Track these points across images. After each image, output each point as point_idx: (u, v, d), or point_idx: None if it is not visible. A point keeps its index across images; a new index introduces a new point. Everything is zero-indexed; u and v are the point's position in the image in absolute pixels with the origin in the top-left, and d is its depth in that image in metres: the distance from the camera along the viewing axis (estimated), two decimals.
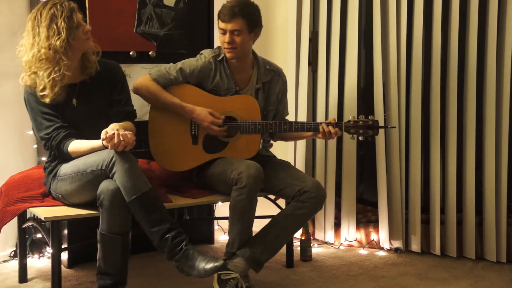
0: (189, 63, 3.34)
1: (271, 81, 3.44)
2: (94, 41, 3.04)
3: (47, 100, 2.95)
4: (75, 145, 2.98)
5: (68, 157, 3.01)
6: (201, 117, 3.27)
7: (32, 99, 3.00)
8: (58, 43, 2.89)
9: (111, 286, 2.93)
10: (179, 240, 2.88)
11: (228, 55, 3.30)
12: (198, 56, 3.39)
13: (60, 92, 2.95)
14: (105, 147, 2.91)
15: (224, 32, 3.25)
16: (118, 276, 2.94)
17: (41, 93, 2.95)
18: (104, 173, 2.89)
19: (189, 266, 2.86)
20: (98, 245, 2.92)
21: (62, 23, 2.90)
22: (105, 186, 2.87)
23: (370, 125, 3.29)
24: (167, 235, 2.87)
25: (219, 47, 3.39)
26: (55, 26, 2.90)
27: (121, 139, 2.85)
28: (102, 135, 2.88)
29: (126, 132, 2.91)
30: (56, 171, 3.07)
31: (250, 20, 3.24)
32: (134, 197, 2.84)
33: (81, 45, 2.99)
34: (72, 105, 3.05)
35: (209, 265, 2.83)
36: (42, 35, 2.90)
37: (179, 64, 3.34)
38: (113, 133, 2.85)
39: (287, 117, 3.57)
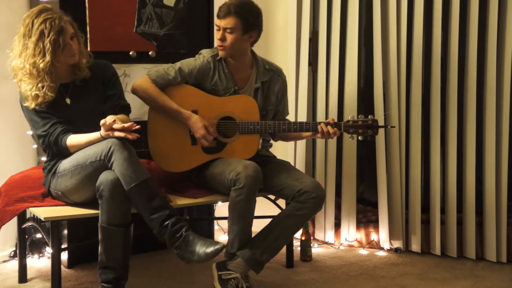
0: (188, 63, 3.34)
1: (270, 81, 3.43)
2: (91, 42, 3.04)
3: (30, 107, 2.97)
4: (73, 138, 2.99)
5: (66, 152, 3.02)
6: (195, 127, 3.26)
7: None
8: (42, 65, 2.89)
9: (113, 281, 2.92)
10: (179, 227, 2.88)
11: (220, 53, 3.31)
12: (196, 56, 3.39)
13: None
14: (104, 138, 2.92)
15: (218, 28, 3.26)
16: (120, 270, 2.93)
17: (25, 103, 2.98)
18: (103, 163, 2.89)
19: (190, 251, 2.86)
20: (99, 239, 2.92)
21: (48, 45, 2.88)
22: (104, 177, 2.87)
23: (369, 125, 3.29)
24: (167, 222, 2.87)
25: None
26: (41, 45, 2.88)
27: (120, 124, 2.87)
28: (102, 122, 2.89)
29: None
30: (55, 169, 3.08)
31: (245, 20, 3.23)
32: (133, 185, 2.84)
33: (67, 62, 3.00)
34: (66, 103, 3.06)
35: (210, 249, 2.83)
36: (29, 50, 2.89)
37: (177, 64, 3.34)
38: (112, 121, 2.87)
39: (287, 117, 3.57)
